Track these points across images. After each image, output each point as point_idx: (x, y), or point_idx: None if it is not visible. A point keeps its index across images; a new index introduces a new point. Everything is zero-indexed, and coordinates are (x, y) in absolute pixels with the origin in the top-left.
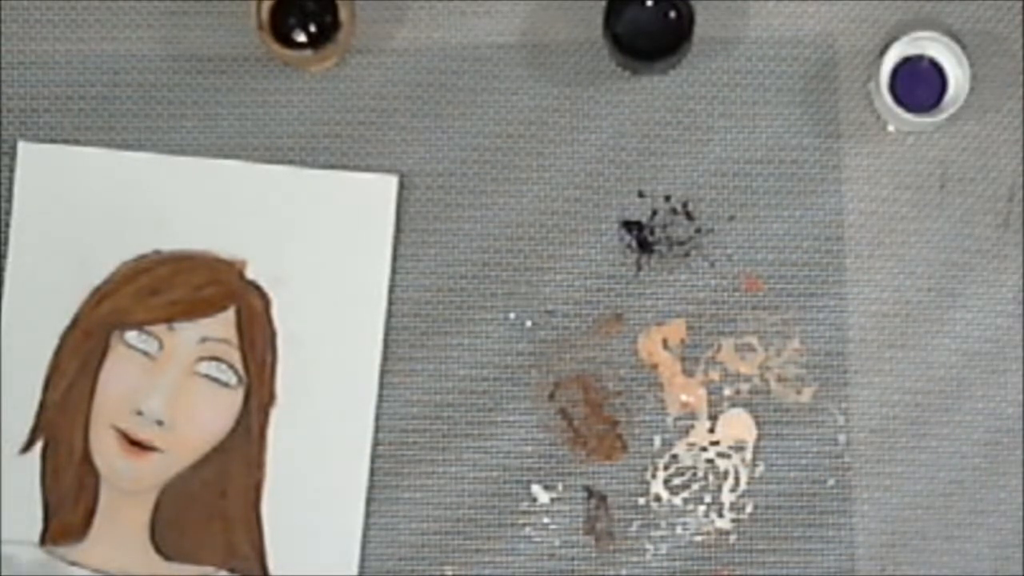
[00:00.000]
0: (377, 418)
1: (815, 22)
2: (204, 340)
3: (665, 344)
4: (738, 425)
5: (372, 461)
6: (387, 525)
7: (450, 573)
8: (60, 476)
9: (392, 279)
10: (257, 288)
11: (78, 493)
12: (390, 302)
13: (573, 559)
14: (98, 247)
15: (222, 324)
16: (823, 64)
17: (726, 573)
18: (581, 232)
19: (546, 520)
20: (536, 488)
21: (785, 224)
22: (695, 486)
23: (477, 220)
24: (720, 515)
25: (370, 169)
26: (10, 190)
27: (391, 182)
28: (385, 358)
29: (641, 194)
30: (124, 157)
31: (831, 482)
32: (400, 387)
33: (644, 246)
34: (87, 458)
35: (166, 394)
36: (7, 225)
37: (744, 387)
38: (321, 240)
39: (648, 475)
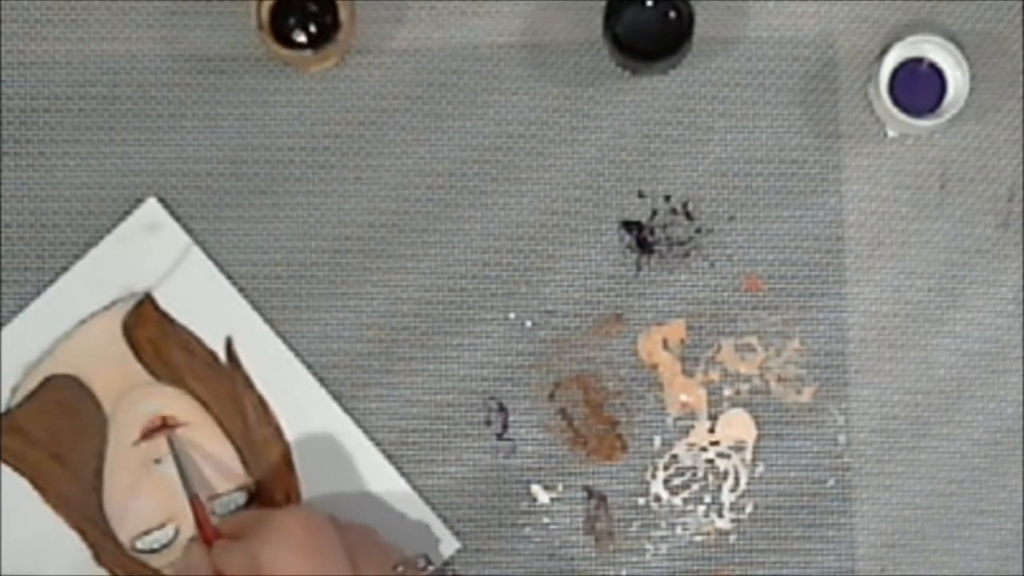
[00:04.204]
0: (377, 418)
1: (815, 22)
2: None
3: (665, 344)
4: (738, 425)
5: None
6: None
7: (450, 573)
8: None
9: (393, 278)
10: None
11: None
12: (390, 303)
13: (573, 559)
14: None
15: None
16: (823, 64)
17: (726, 573)
18: (581, 232)
19: (546, 520)
20: (536, 488)
21: (785, 224)
22: (695, 486)
23: (477, 220)
24: (720, 515)
25: (370, 168)
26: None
27: None
28: (386, 358)
29: (641, 194)
30: None
31: (831, 482)
32: (400, 387)
33: (644, 246)
34: None
35: None
36: (7, 225)
37: (744, 387)
38: None
39: (648, 475)
